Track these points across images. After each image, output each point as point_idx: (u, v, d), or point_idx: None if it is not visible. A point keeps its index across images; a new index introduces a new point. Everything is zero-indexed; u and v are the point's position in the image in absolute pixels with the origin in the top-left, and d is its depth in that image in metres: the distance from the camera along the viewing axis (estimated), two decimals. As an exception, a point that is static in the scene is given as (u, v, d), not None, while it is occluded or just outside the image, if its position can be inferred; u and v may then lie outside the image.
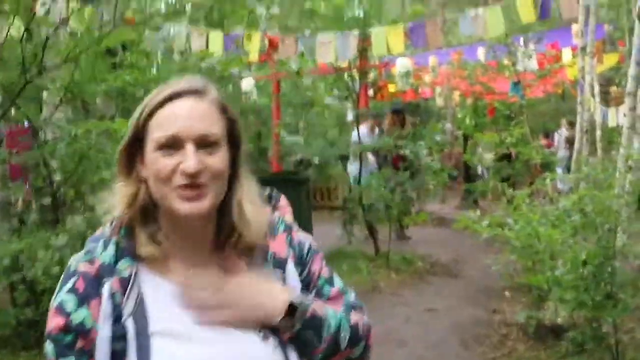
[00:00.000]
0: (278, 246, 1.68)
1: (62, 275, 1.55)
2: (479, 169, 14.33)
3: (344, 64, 11.08)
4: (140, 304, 1.51)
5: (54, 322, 1.50)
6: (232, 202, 1.60)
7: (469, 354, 6.53)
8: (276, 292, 1.60)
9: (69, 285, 1.51)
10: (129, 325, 1.48)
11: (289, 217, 1.78)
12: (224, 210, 1.60)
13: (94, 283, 1.50)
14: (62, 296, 1.51)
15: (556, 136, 20.96)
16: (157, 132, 1.52)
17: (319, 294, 1.72)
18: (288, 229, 1.73)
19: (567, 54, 19.18)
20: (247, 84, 13.38)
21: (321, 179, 12.89)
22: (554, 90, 18.89)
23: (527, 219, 6.62)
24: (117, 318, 1.48)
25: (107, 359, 1.46)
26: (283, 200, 1.81)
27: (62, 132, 6.11)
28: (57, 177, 6.58)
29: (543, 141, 19.79)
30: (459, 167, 16.86)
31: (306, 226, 10.59)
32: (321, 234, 11.20)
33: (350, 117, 14.82)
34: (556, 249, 6.45)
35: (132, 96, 6.98)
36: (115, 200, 1.57)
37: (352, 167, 11.74)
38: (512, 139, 9.61)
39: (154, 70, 6.36)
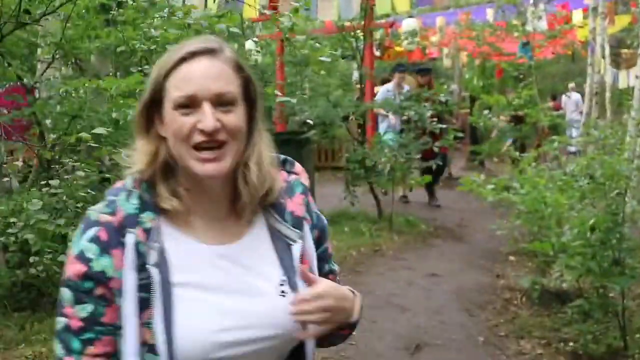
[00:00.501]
0: (295, 206, 1.71)
1: (81, 225, 1.56)
2: (494, 132, 14.04)
3: (348, 23, 10.81)
4: (162, 255, 1.53)
5: (73, 268, 1.51)
6: (249, 160, 1.61)
7: (472, 320, 6.39)
8: (350, 295, 1.69)
9: (90, 234, 1.52)
10: (154, 273, 1.50)
11: (305, 180, 1.79)
12: (241, 166, 1.62)
13: (117, 233, 1.52)
14: (83, 244, 1.52)
15: (564, 98, 20.64)
16: (175, 91, 1.54)
17: (328, 272, 1.84)
18: (305, 192, 1.76)
19: (577, 15, 18.84)
20: (250, 43, 13.08)
21: (325, 139, 12.68)
22: (563, 51, 18.60)
23: (533, 183, 6.44)
24: (141, 267, 1.50)
25: (134, 306, 1.48)
26: (298, 166, 1.81)
27: (54, 90, 5.91)
28: (51, 136, 6.41)
29: (550, 103, 19.50)
30: (465, 128, 16.61)
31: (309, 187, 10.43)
32: (324, 195, 11.15)
33: (355, 76, 14.56)
34: (563, 214, 6.30)
35: (127, 54, 6.76)
36: (136, 156, 1.60)
37: (382, 126, 11.59)
38: (520, 101, 9.35)
39: (152, 30, 6.09)
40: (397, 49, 16.63)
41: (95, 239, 1.52)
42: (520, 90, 9.94)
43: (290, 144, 10.23)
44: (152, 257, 1.52)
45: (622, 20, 19.96)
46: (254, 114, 1.63)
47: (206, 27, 4.81)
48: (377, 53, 14.29)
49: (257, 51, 11.93)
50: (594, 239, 5.16)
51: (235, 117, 1.55)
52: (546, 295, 6.70)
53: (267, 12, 6.76)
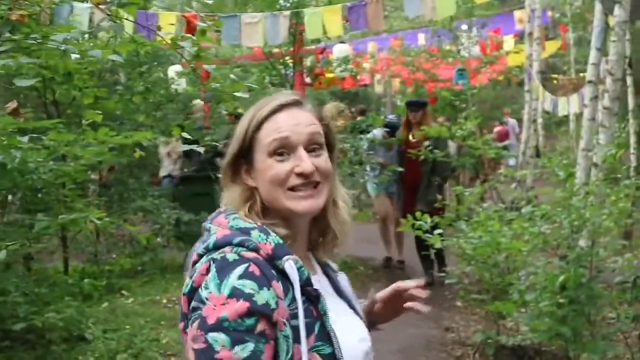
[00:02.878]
0: None
1: (214, 272, 1.52)
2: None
3: (277, 49, 10.07)
4: (310, 280, 1.62)
5: (230, 308, 1.47)
6: (337, 198, 1.77)
7: (420, 386, 5.62)
8: None
9: (239, 271, 1.51)
10: (320, 293, 1.60)
11: None
12: (330, 205, 1.75)
13: (268, 266, 1.55)
14: (234, 283, 1.49)
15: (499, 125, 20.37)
16: (269, 138, 1.64)
17: None
18: None
19: (508, 41, 18.60)
20: (173, 71, 12.20)
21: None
22: (498, 78, 18.30)
23: (485, 227, 5.74)
24: (303, 291, 1.56)
25: (304, 331, 1.53)
26: None
27: None
28: None
29: (498, 128, 19.13)
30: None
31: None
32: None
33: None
34: (519, 261, 5.65)
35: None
36: (234, 203, 1.68)
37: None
38: (464, 132, 8.72)
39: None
40: (329, 75, 15.97)
41: (248, 275, 1.51)
42: (464, 120, 9.29)
43: (213, 181, 9.42)
44: (315, 282, 1.63)
45: (552, 46, 19.84)
46: (333, 158, 1.76)
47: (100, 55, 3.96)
48: (308, 80, 13.55)
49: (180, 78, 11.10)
50: (563, 298, 4.47)
51: (325, 160, 1.69)
52: (502, 352, 5.99)
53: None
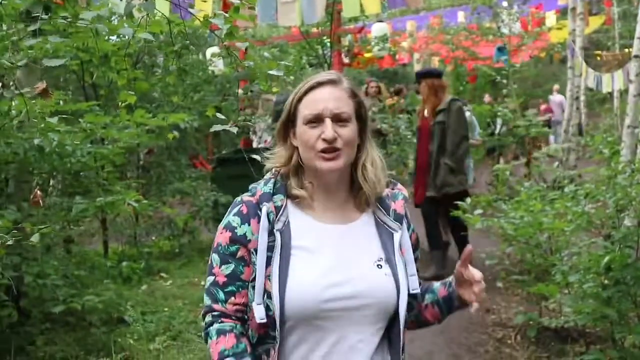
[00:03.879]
0: (398, 206, 2.15)
1: (230, 207, 2.08)
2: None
3: (313, 29, 9.96)
4: (286, 225, 2.01)
5: (222, 237, 2.02)
6: (366, 161, 2.11)
7: (460, 369, 5.52)
8: None
9: (235, 210, 2.04)
10: (278, 237, 1.97)
11: (405, 192, 2.21)
12: (354, 169, 2.12)
13: (254, 207, 2.02)
14: (229, 218, 2.04)
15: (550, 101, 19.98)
16: (306, 110, 2.05)
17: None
18: (405, 199, 2.20)
19: (550, 17, 18.23)
20: (210, 52, 12.15)
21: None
22: (540, 54, 17.96)
23: (527, 207, 5.61)
24: (270, 232, 1.97)
25: (263, 261, 1.95)
26: (399, 185, 2.23)
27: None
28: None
29: (543, 106, 18.81)
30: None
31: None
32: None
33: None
34: (562, 241, 5.51)
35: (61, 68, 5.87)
36: (276, 158, 2.12)
37: None
38: (508, 112, 8.53)
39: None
40: (367, 55, 15.81)
41: (238, 213, 2.02)
42: (507, 99, 9.11)
43: (254, 162, 9.35)
44: (278, 225, 1.99)
45: (595, 22, 19.40)
46: (365, 129, 2.13)
47: (133, 34, 3.89)
48: (346, 60, 13.41)
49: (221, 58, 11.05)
50: (608, 279, 4.33)
51: (349, 131, 2.04)
52: (544, 334, 5.87)
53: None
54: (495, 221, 5.85)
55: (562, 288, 5.32)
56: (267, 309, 1.93)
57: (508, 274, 6.43)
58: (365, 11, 9.15)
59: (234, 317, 1.99)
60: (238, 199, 2.07)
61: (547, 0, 17.61)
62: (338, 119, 2.03)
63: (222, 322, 1.98)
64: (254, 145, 12.50)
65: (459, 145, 7.73)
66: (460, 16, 17.16)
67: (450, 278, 2.18)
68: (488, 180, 12.19)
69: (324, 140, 2.01)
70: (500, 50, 14.32)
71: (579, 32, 13.35)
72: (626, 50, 18.49)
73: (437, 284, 2.23)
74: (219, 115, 4.21)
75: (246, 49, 4.35)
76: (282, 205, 2.03)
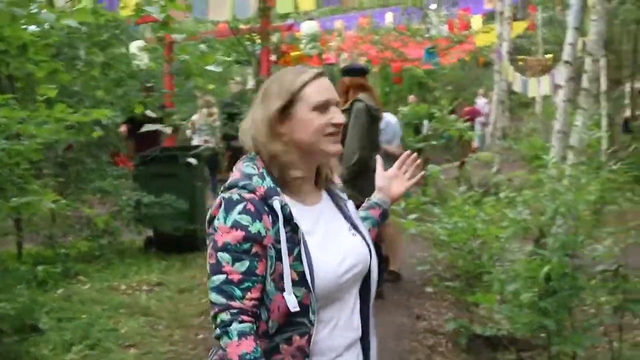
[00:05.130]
0: (336, 178, 2.37)
1: (223, 207, 2.06)
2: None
3: (243, 25, 9.68)
4: (292, 215, 2.08)
5: (231, 236, 2.02)
6: None
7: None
8: None
9: (239, 208, 2.03)
10: (298, 227, 2.06)
11: None
12: None
13: (261, 203, 2.05)
14: (235, 217, 2.03)
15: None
16: (315, 97, 2.14)
17: None
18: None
19: (476, 21, 18.40)
20: (135, 46, 11.73)
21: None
22: (466, 57, 18.08)
23: (461, 212, 5.50)
24: (286, 222, 2.05)
25: (286, 252, 2.02)
26: None
27: None
28: None
29: (467, 108, 18.91)
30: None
31: (199, 214, 9.19)
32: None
33: (251, 84, 13.38)
34: (496, 248, 5.42)
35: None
36: (251, 146, 2.19)
37: None
38: (442, 113, 8.43)
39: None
40: (294, 53, 15.60)
41: (246, 211, 2.03)
42: (442, 102, 9.02)
43: (177, 161, 9.04)
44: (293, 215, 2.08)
45: (519, 27, 19.68)
46: None
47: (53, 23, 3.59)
48: (273, 58, 13.17)
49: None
50: (546, 290, 4.24)
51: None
52: (475, 341, 5.78)
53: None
54: (430, 226, 5.73)
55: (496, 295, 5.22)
56: (295, 296, 2.04)
57: (440, 280, 6.33)
58: (299, 7, 8.93)
59: (250, 313, 2.02)
60: (234, 196, 2.07)
61: (474, 3, 17.75)
62: (337, 106, 2.20)
63: (242, 320, 2.00)
64: (195, 143, 12.18)
65: (351, 157, 6.55)
66: (389, 17, 17.13)
67: (373, 198, 2.62)
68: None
69: (335, 125, 2.15)
70: (429, 52, 14.32)
71: (506, 36, 13.48)
72: (547, 56, 18.83)
73: (363, 212, 2.55)
74: (149, 113, 3.92)
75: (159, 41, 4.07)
76: (283, 197, 2.12)
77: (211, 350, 2.21)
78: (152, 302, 6.86)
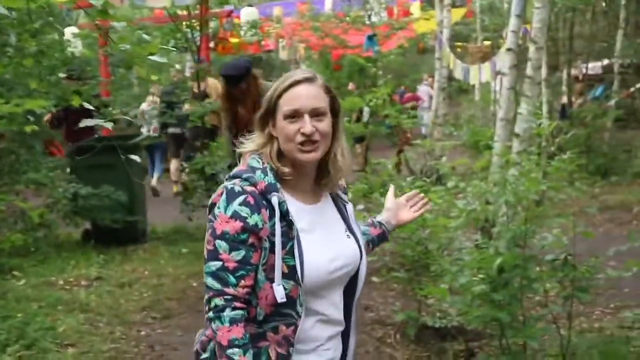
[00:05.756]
0: (342, 181, 2.47)
1: (225, 196, 2.15)
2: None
3: (182, 12, 9.44)
4: (288, 211, 2.19)
5: (229, 225, 2.12)
6: (337, 152, 2.32)
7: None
8: None
9: (240, 200, 2.13)
10: (293, 223, 2.17)
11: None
12: (326, 157, 2.32)
13: (260, 197, 2.15)
14: (235, 208, 2.13)
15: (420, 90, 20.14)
16: (285, 107, 2.23)
17: None
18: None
19: (414, 8, 18.42)
20: (70, 32, 11.34)
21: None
22: (406, 44, 18.07)
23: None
24: (282, 218, 2.16)
25: (280, 245, 2.13)
26: None
27: None
28: None
29: (407, 95, 18.92)
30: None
31: (138, 205, 8.96)
32: (160, 208, 9.79)
33: (188, 71, 13.10)
34: (444, 238, 5.37)
35: None
36: (251, 144, 2.30)
37: None
38: (378, 101, 8.35)
39: None
40: (233, 40, 15.35)
41: (245, 203, 2.13)
42: (376, 89, 8.93)
43: (115, 151, 8.72)
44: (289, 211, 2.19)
45: (457, 13, 19.78)
46: (337, 122, 2.33)
47: None
48: (212, 44, 12.92)
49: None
50: (500, 282, 4.19)
51: (325, 125, 2.25)
52: (424, 332, 5.73)
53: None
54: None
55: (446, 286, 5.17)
56: (283, 288, 2.15)
57: (388, 270, 6.26)
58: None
59: (243, 300, 2.13)
60: (236, 188, 2.16)
61: (413, -11, 17.76)
62: (315, 114, 2.22)
63: (234, 307, 2.11)
64: (144, 132, 11.85)
65: None
66: (329, 3, 17.01)
67: (378, 217, 2.75)
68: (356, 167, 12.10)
69: (303, 134, 2.19)
70: (370, 39, 14.25)
71: (446, 23, 13.49)
72: (486, 42, 18.97)
73: (364, 227, 2.65)
74: (86, 104, 3.72)
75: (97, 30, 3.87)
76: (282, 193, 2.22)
77: (199, 332, 2.34)
78: (91, 297, 6.61)
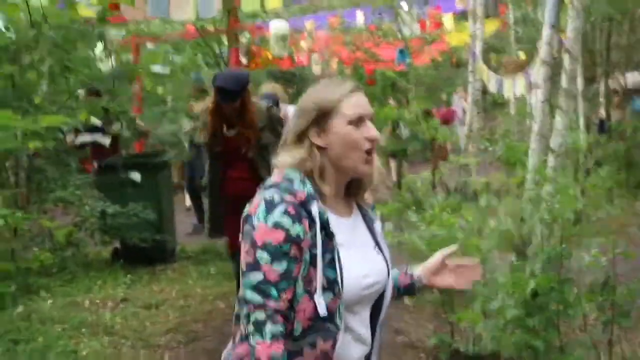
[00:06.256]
0: (370, 198, 2.43)
1: (264, 207, 2.07)
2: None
3: (210, 26, 9.33)
4: (328, 222, 2.13)
5: (272, 236, 2.03)
6: None
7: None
8: None
9: (281, 210, 2.05)
10: (334, 235, 2.11)
11: None
12: None
13: (301, 208, 2.07)
14: (277, 219, 2.04)
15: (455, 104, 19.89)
16: (350, 111, 2.16)
17: None
18: None
19: (447, 20, 18.20)
20: (99, 49, 11.32)
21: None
22: (439, 57, 17.88)
23: (441, 222, 5.23)
24: (322, 229, 2.08)
25: (321, 257, 2.07)
26: None
27: None
28: None
29: (442, 110, 18.67)
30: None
31: (167, 224, 8.87)
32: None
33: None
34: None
35: None
36: (289, 158, 2.19)
37: None
38: (412, 116, 8.16)
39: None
40: (267, 55, 15.25)
41: (286, 213, 2.05)
42: (410, 103, 8.75)
43: (146, 169, 8.64)
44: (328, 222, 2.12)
45: (490, 26, 19.49)
46: None
47: None
48: (244, 60, 12.81)
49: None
50: (533, 306, 3.97)
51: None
52: (457, 357, 5.50)
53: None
54: (407, 237, 5.46)
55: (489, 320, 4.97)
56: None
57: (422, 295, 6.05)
58: (265, 6, 8.57)
59: (284, 314, 2.05)
60: (276, 197, 2.09)
61: (445, 2, 17.53)
62: (372, 121, 2.24)
63: (276, 321, 2.04)
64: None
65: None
66: (360, 16, 16.87)
67: (416, 269, 2.53)
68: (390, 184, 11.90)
69: (370, 140, 2.18)
70: (402, 52, 14.07)
71: (479, 36, 13.26)
72: (523, 55, 18.66)
73: (395, 271, 2.47)
74: (94, 119, 3.58)
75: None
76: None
77: (225, 351, 2.26)
78: (116, 319, 6.48)
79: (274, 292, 2.03)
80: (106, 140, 9.44)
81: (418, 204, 6.83)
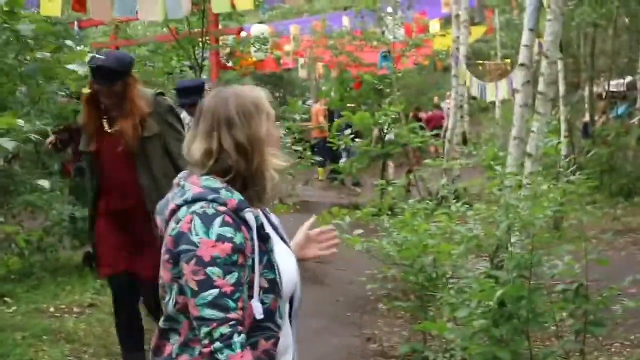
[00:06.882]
0: None
1: (199, 221, 2.04)
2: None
3: (183, 28, 9.17)
4: (263, 225, 2.18)
5: (218, 249, 2.02)
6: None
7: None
8: None
9: (219, 221, 2.04)
10: (270, 237, 2.17)
11: None
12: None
13: (236, 215, 2.08)
14: (218, 230, 2.03)
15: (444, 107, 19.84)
16: (271, 110, 2.24)
17: None
18: None
19: (433, 25, 18.10)
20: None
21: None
22: (424, 62, 17.76)
23: (411, 227, 5.08)
24: (258, 231, 2.11)
25: (257, 260, 2.08)
26: None
27: None
28: None
29: (428, 114, 18.58)
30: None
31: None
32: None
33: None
34: (448, 265, 5.03)
35: None
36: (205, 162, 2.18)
37: None
38: (388, 119, 8.00)
39: None
40: (251, 59, 15.07)
41: (225, 224, 2.05)
42: (386, 106, 8.59)
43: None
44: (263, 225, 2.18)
45: (478, 31, 19.39)
46: None
47: None
48: (229, 63, 12.62)
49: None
50: (501, 315, 3.81)
51: None
52: (428, 365, 5.35)
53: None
54: (377, 242, 5.30)
55: (451, 320, 4.82)
56: (262, 302, 2.10)
57: (391, 298, 5.90)
58: (237, 7, 8.35)
59: (242, 322, 2.04)
60: (208, 210, 2.06)
61: (430, 7, 17.44)
62: None
63: (240, 332, 2.03)
64: None
65: None
66: (345, 21, 16.75)
67: None
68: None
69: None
70: (385, 56, 13.94)
71: (462, 40, 13.13)
72: (507, 60, 18.57)
73: None
74: (19, 122, 3.42)
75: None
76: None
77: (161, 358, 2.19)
78: (80, 326, 6.26)
79: (231, 304, 2.02)
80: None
81: (391, 208, 6.69)
